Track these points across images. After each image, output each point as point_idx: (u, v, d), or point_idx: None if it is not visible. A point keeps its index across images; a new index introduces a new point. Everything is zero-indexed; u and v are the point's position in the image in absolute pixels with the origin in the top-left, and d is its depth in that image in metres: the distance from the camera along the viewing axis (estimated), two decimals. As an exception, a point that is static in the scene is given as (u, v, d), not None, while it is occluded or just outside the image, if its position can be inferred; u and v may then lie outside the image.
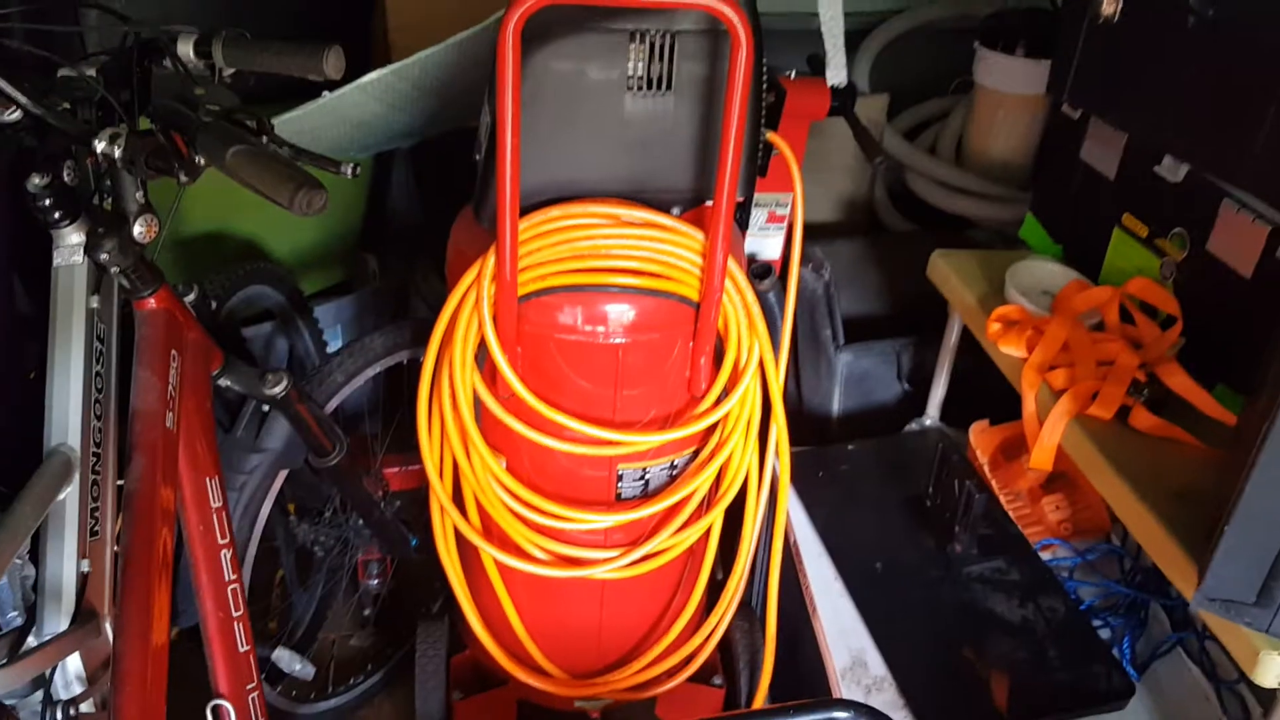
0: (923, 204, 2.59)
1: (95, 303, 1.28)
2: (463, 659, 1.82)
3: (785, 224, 2.13)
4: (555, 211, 1.32)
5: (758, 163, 1.41)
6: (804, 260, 2.18)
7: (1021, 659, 1.44)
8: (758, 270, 2.10)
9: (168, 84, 1.24)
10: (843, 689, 1.44)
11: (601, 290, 1.34)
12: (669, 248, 1.34)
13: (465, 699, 1.72)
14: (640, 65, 1.27)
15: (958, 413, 2.01)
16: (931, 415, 1.98)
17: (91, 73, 1.22)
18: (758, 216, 2.10)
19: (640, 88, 1.29)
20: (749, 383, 1.44)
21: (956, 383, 1.98)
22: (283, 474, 1.52)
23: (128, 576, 1.04)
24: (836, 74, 1.91)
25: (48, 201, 1.20)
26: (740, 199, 1.42)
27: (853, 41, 2.84)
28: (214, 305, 1.64)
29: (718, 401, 1.45)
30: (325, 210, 0.83)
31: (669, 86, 1.29)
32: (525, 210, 1.32)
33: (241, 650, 1.21)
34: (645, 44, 1.26)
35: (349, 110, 1.55)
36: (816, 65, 2.00)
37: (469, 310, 1.36)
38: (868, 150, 1.95)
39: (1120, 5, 1.48)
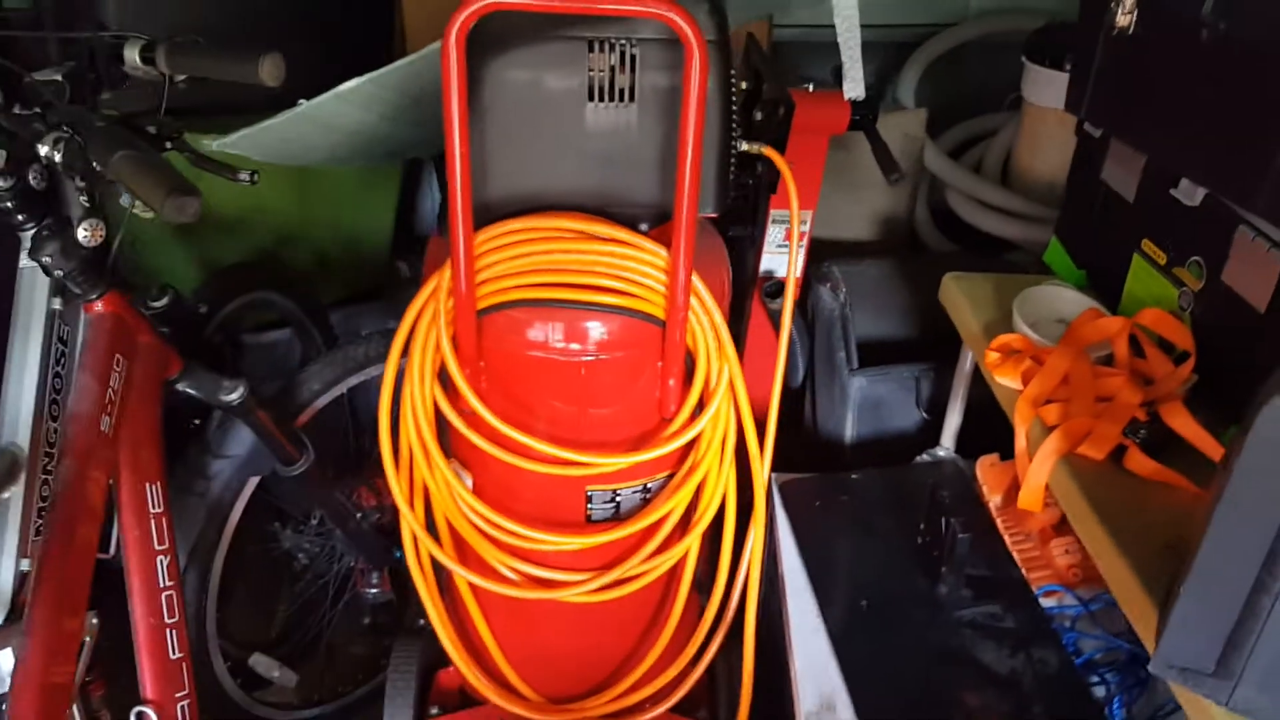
0: (969, 223, 2.49)
1: (58, 304, 1.29)
2: (450, 674, 1.79)
3: (805, 241, 2.05)
4: (514, 224, 1.29)
5: (730, 177, 1.35)
6: (822, 279, 2.11)
7: (1001, 713, 1.34)
8: (771, 289, 2.03)
9: (140, 90, 1.25)
10: (808, 733, 1.36)
11: (560, 305, 1.30)
12: (631, 264, 1.29)
13: (440, 715, 1.69)
14: (601, 75, 1.23)
15: (982, 444, 1.91)
16: (946, 446, 1.88)
17: (58, 78, 1.23)
18: (775, 234, 2.03)
19: (601, 98, 1.25)
20: (719, 404, 1.38)
21: (978, 413, 1.88)
22: (253, 481, 1.51)
23: (40, 578, 1.04)
24: (854, 87, 1.83)
25: (10, 204, 1.21)
26: (712, 214, 1.37)
27: (902, 54, 2.76)
28: (203, 310, 1.65)
29: (686, 423, 1.39)
30: (197, 217, 0.81)
31: (631, 98, 1.25)
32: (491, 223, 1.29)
33: (173, 657, 1.21)
34: (604, 53, 1.22)
35: (334, 119, 1.54)
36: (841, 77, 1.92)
37: (426, 323, 1.34)
38: (885, 167, 1.87)
39: (1135, 17, 1.38)
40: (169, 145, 0.97)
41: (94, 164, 0.94)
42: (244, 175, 1.04)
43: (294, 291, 2.00)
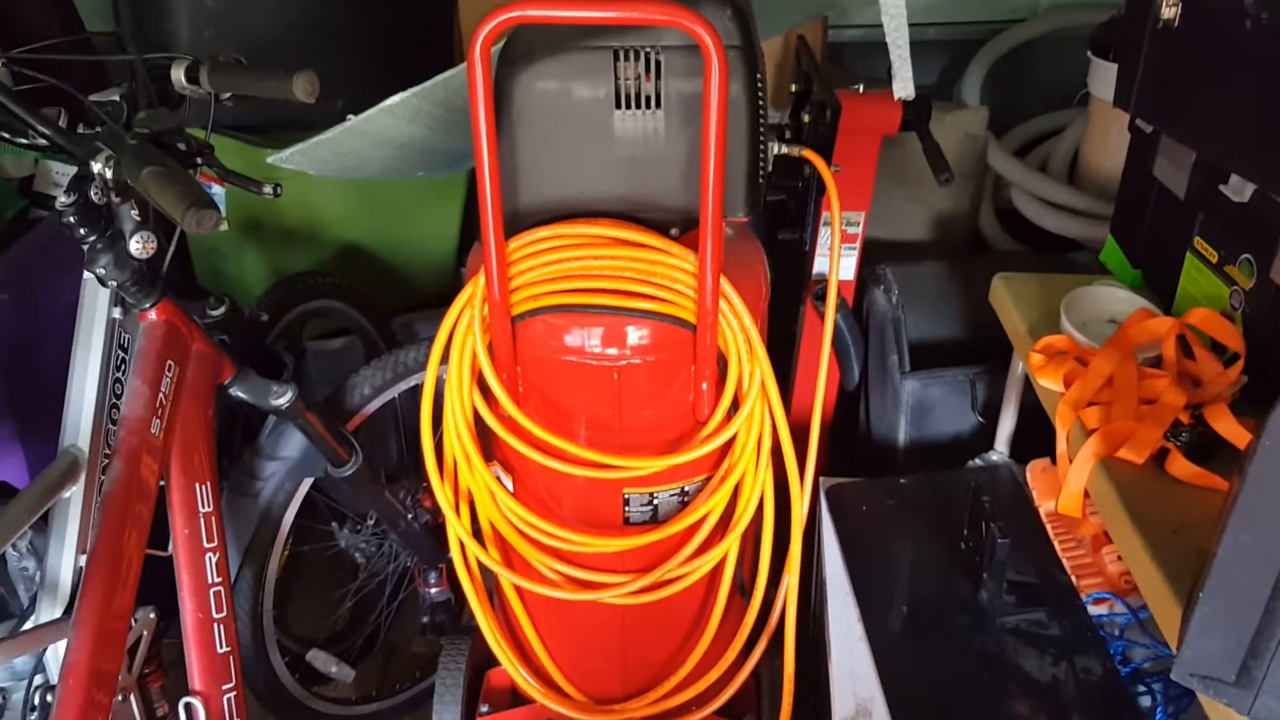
0: (1034, 223, 2.43)
1: (118, 314, 1.36)
2: (501, 673, 1.82)
3: (858, 243, 2.04)
4: (544, 232, 1.32)
5: (761, 181, 1.35)
6: (875, 281, 2.09)
7: (1040, 721, 1.32)
8: (821, 293, 2.02)
9: (197, 109, 1.32)
10: (843, 739, 1.36)
11: (590, 311, 1.32)
12: (660, 269, 1.31)
13: (490, 714, 1.72)
14: (627, 83, 1.25)
15: (1039, 449, 1.87)
16: (1000, 450, 1.84)
17: (116, 98, 1.31)
18: (827, 236, 2.02)
19: (628, 106, 1.27)
20: (752, 407, 1.38)
21: (1036, 416, 1.84)
22: (306, 482, 1.57)
23: (89, 574, 1.09)
24: (903, 87, 1.81)
25: (73, 219, 1.29)
26: (743, 218, 1.38)
27: (968, 52, 2.71)
28: (264, 318, 1.72)
29: (720, 426, 1.40)
30: (218, 229, 0.86)
31: (658, 105, 1.27)
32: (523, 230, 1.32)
33: (221, 651, 1.26)
34: (629, 62, 1.24)
35: (384, 133, 1.59)
36: (897, 77, 1.90)
37: (464, 330, 1.37)
38: (935, 167, 1.84)
39: (1179, 9, 1.34)
40: (198, 162, 1.03)
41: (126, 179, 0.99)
42: (267, 189, 1.09)
43: (357, 299, 2.06)
